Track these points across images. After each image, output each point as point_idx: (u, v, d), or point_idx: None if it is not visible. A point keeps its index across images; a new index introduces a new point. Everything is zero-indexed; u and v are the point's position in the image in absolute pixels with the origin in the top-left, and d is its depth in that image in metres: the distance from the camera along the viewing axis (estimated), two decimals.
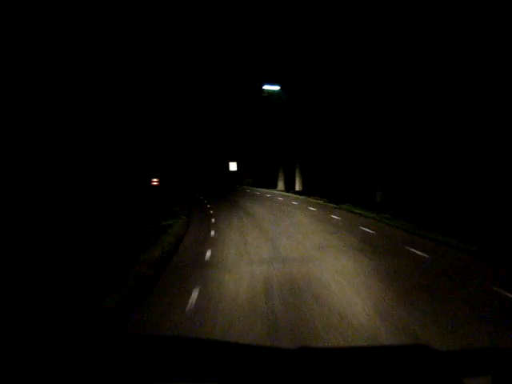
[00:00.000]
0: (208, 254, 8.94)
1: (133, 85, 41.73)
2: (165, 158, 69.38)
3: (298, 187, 33.06)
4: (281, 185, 35.66)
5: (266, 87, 30.51)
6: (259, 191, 34.08)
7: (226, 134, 54.49)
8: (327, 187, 29.90)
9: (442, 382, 1.01)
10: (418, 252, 8.67)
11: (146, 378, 1.02)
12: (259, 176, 46.71)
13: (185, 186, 50.12)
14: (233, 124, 50.15)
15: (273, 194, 29.62)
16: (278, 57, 31.87)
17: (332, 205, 20.22)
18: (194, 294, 5.77)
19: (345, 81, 27.83)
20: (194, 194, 33.79)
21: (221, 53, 40.26)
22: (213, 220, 15.21)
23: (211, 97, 51.24)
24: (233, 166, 52.62)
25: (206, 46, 44.80)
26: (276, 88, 30.65)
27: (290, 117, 33.58)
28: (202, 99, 53.77)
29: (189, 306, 5.32)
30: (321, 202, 22.21)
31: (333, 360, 1.13)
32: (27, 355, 1.11)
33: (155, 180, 39.60)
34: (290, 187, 34.44)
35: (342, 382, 1.01)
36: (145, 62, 42.37)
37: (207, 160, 68.57)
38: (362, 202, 20.75)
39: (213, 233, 12.20)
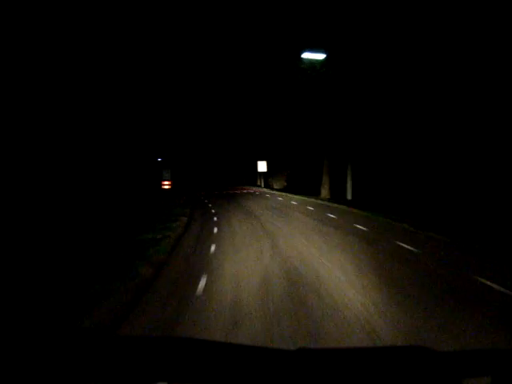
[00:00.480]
0: None
1: (148, 74, 36.13)
2: (181, 157, 62.15)
3: (349, 195, 24.06)
4: (325, 191, 26.68)
5: (307, 55, 21.58)
6: (296, 200, 25.30)
7: (253, 126, 46.02)
8: (391, 197, 20.81)
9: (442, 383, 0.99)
10: None
11: (143, 379, 1.00)
12: (296, 178, 37.86)
13: (201, 191, 42.22)
14: (262, 114, 41.59)
15: (317, 206, 20.80)
16: (323, 14, 22.89)
17: (444, 239, 11.16)
18: None
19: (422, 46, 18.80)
20: (209, 201, 25.65)
21: (244, 15, 31.82)
22: (201, 285, 6.62)
23: (234, 81, 43.01)
24: (262, 166, 44.11)
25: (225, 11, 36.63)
26: (320, 56, 21.67)
27: (339, 99, 24.58)
28: (224, 85, 45.72)
29: None
30: (406, 226, 13.21)
31: (332, 361, 1.09)
32: (25, 356, 1.05)
33: (166, 183, 33.17)
34: (337, 194, 25.49)
35: (342, 383, 0.99)
36: (160, 48, 36.84)
37: (231, 159, 60.24)
38: (489, 228, 11.61)
39: None
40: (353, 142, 24.31)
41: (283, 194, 32.11)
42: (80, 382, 0.98)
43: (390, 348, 1.86)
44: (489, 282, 6.40)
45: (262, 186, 44.31)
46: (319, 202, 23.60)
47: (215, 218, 16.04)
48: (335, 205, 21.12)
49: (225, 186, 49.89)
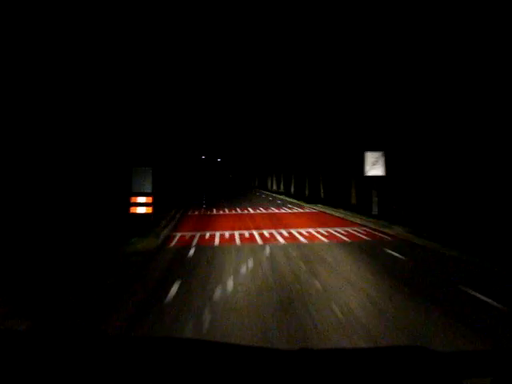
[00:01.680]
0: None
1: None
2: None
3: None
4: None
5: None
6: None
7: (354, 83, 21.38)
8: None
9: None
10: None
11: (142, 380, 0.98)
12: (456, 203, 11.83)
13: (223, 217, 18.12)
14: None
15: None
16: None
17: None
18: None
19: None
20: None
21: None
22: None
23: None
24: (373, 166, 19.21)
25: None
26: None
27: None
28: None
29: None
30: None
31: (332, 361, 1.10)
32: (25, 356, 1.07)
33: (141, 201, 15.23)
34: None
35: (343, 383, 0.99)
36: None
37: (305, 150, 35.49)
38: None
39: None
40: None
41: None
42: (78, 382, 0.95)
43: (391, 348, 1.84)
44: None
45: (376, 209, 19.19)
46: None
47: None
48: None
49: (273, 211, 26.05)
